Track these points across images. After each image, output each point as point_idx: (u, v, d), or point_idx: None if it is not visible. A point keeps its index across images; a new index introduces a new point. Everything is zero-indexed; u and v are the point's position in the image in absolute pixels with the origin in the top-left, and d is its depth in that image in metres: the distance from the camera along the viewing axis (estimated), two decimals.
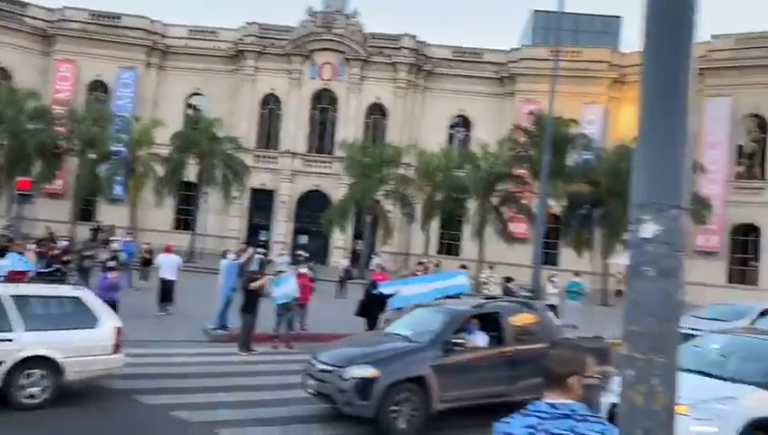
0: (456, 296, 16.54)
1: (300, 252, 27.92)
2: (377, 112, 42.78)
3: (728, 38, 38.33)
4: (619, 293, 34.87)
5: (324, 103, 43.06)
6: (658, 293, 2.28)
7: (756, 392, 6.97)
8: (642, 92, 2.38)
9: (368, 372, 7.89)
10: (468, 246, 36.95)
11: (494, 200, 32.34)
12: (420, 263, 23.94)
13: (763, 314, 15.53)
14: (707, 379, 7.13)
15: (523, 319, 9.40)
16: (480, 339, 8.99)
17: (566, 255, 36.50)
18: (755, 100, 36.58)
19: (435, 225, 37.13)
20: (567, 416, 2.46)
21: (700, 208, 31.09)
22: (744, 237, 37.08)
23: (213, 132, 34.65)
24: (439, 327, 8.76)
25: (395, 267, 30.60)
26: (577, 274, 22.68)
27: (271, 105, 43.40)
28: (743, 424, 6.53)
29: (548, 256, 39.78)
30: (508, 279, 20.69)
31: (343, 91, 42.46)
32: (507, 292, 20.42)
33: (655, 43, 2.34)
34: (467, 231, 35.42)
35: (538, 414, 2.49)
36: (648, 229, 2.30)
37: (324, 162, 42.23)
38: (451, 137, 42.74)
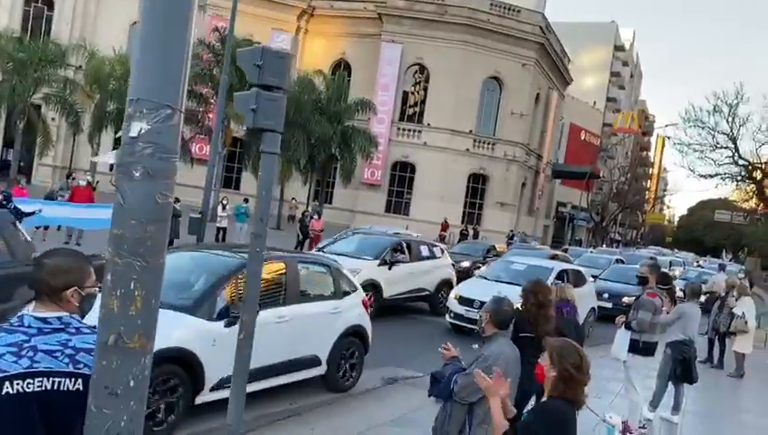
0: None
1: None
2: (40, 1, 36.65)
3: None
4: (291, 218, 36.87)
5: None
6: (144, 195, 2.16)
7: (185, 319, 6.17)
8: None
9: None
10: None
11: None
12: (82, 179, 21.73)
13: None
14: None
15: None
16: None
17: (247, 179, 37.01)
18: (422, 51, 41.11)
19: (107, 138, 33.94)
20: (60, 330, 2.25)
21: (368, 145, 34.21)
22: (401, 173, 42.21)
23: None
24: None
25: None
26: (246, 200, 23.25)
27: None
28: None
29: (229, 180, 39.94)
30: (176, 200, 20.02)
31: None
32: (174, 213, 19.94)
33: None
34: None
35: (25, 330, 2.22)
36: (138, 127, 2.15)
37: None
38: None
